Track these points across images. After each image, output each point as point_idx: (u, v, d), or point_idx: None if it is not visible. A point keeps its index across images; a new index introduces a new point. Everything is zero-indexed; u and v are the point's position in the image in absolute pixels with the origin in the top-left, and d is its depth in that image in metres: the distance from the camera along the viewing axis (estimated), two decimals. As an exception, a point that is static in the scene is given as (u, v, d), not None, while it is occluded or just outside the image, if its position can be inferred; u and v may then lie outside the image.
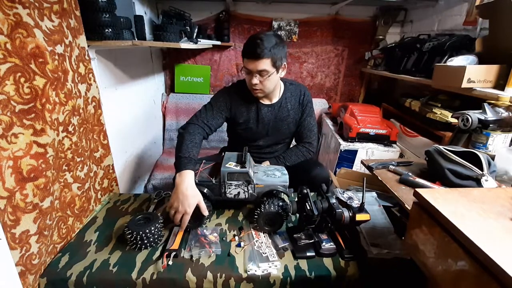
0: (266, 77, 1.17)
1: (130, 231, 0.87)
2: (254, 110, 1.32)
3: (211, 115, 1.25)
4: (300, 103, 1.35)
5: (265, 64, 1.14)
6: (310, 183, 1.05)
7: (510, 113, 0.95)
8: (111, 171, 1.25)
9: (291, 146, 1.51)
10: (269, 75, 1.17)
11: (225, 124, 1.41)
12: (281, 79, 1.35)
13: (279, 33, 2.38)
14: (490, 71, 1.14)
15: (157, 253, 0.88)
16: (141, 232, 0.86)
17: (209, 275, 0.81)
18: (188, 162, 1.01)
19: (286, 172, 1.08)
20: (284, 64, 1.22)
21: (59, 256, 0.87)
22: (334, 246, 0.90)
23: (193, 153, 1.05)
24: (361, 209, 0.87)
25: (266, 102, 1.33)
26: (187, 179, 0.96)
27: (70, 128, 0.94)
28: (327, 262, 0.87)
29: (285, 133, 1.38)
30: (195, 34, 2.01)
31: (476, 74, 1.13)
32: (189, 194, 0.93)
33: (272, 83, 1.21)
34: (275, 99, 1.33)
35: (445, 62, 1.40)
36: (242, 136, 1.37)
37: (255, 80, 1.17)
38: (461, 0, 1.72)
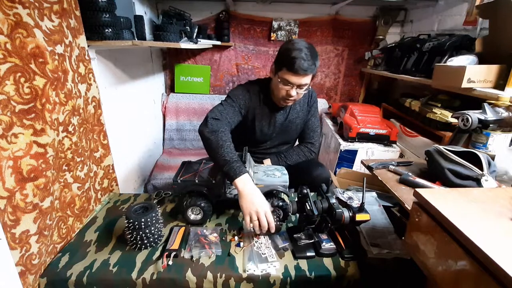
0: (305, 89, 1.15)
1: (130, 231, 0.86)
2: (268, 113, 1.29)
3: (233, 112, 1.17)
4: (308, 104, 1.36)
5: (308, 78, 1.12)
6: (311, 183, 1.05)
7: (510, 113, 0.95)
8: (111, 171, 1.25)
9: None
10: (307, 87, 1.16)
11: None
12: None
13: (279, 33, 2.39)
14: (490, 71, 1.14)
15: (157, 253, 0.88)
16: (141, 232, 0.86)
17: (209, 275, 0.81)
18: (241, 165, 0.94)
19: (286, 172, 1.08)
20: None
21: (59, 256, 0.87)
22: (334, 246, 0.90)
23: (236, 155, 0.98)
24: (361, 209, 0.87)
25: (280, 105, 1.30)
26: (251, 186, 0.92)
27: (70, 128, 0.94)
28: (327, 262, 0.87)
29: (293, 134, 1.38)
30: (195, 34, 2.01)
31: (476, 74, 1.13)
32: (259, 202, 0.89)
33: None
34: None
35: (445, 62, 1.40)
36: (251, 137, 1.33)
37: (294, 92, 1.13)
38: (461, 0, 1.72)
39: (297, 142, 1.47)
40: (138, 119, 1.85)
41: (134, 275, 0.81)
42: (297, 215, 1.02)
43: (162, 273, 0.81)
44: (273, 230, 0.90)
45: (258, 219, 0.88)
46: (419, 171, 0.99)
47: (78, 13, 0.98)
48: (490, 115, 0.94)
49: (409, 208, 0.72)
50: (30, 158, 0.75)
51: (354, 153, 1.79)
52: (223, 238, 0.95)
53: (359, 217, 0.85)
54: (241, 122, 1.26)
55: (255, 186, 0.93)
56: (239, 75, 2.56)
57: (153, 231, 0.89)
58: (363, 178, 0.92)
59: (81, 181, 1.02)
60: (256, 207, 0.88)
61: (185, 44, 1.65)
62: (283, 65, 1.10)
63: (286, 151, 1.38)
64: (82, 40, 1.01)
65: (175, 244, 0.89)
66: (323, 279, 0.83)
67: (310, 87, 1.36)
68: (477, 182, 0.80)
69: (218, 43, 2.29)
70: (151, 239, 0.89)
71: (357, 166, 1.80)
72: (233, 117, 1.17)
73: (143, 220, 0.85)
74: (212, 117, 1.08)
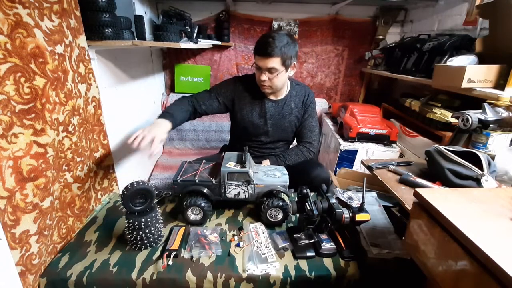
0: (275, 75, 1.20)
1: (130, 231, 0.86)
2: (258, 103, 1.35)
3: (207, 96, 1.33)
4: (304, 103, 1.38)
5: (274, 62, 1.17)
6: (310, 183, 1.05)
7: (510, 113, 0.95)
8: (111, 171, 1.25)
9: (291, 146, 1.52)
10: (278, 73, 1.20)
11: (226, 124, 1.43)
12: (289, 78, 1.38)
13: (279, 33, 2.39)
14: (490, 71, 1.14)
15: (157, 253, 0.88)
16: (141, 232, 0.86)
17: (209, 275, 0.81)
18: (168, 115, 1.17)
19: (286, 172, 1.08)
20: (294, 64, 1.25)
21: (59, 256, 0.87)
22: (334, 246, 0.90)
23: (176, 113, 1.21)
24: (361, 209, 0.87)
25: (271, 97, 1.36)
26: (161, 122, 1.13)
27: (70, 128, 0.94)
28: (327, 262, 0.87)
29: (287, 131, 1.40)
30: (195, 34, 2.01)
31: (476, 74, 1.13)
32: (156, 127, 1.08)
33: (280, 81, 1.25)
34: (280, 96, 1.36)
35: (445, 62, 1.40)
36: (245, 130, 1.39)
37: (264, 77, 1.21)
38: (461, 0, 1.72)
39: (295, 143, 1.48)
40: (138, 119, 1.85)
41: (134, 275, 0.81)
42: (297, 215, 1.02)
43: (162, 273, 0.81)
44: (153, 150, 1.00)
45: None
46: (419, 171, 0.99)
47: (78, 13, 0.98)
48: (490, 115, 0.94)
49: (409, 208, 0.72)
50: (30, 158, 0.75)
51: (354, 153, 1.79)
52: (223, 238, 0.95)
53: (359, 217, 0.85)
54: (233, 113, 1.38)
55: (166, 127, 1.13)
56: (239, 75, 2.55)
57: (153, 231, 0.89)
58: (363, 178, 0.92)
59: (81, 181, 1.02)
60: (152, 129, 1.06)
61: (185, 44, 1.65)
62: (254, 51, 1.23)
63: (285, 151, 1.39)
64: (82, 40, 1.01)
65: (175, 244, 0.89)
66: (323, 279, 0.83)
67: (309, 89, 1.40)
68: (477, 182, 0.80)
69: (218, 43, 2.29)
70: (151, 239, 0.89)
71: (357, 166, 1.80)
72: (204, 99, 1.32)
73: (143, 220, 0.85)
74: (184, 95, 1.35)
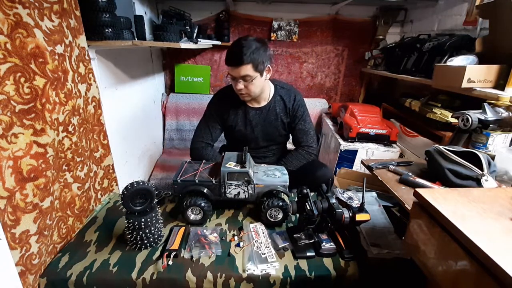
0: (250, 81, 1.18)
1: (130, 231, 0.86)
2: (241, 113, 1.33)
3: (209, 131, 1.35)
4: (290, 107, 1.33)
5: (246, 69, 1.14)
6: (314, 183, 1.05)
7: (510, 113, 0.95)
8: (111, 171, 1.25)
9: (286, 149, 1.52)
10: (253, 79, 1.18)
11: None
12: (273, 82, 1.36)
13: (279, 33, 2.39)
14: (490, 71, 1.14)
15: (157, 253, 0.88)
16: (141, 232, 0.86)
17: (209, 275, 0.81)
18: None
19: (286, 172, 1.08)
20: (268, 67, 1.22)
21: (59, 256, 0.87)
22: (334, 246, 0.90)
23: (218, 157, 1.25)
24: (361, 209, 0.87)
25: (254, 105, 1.33)
26: None
27: (70, 128, 0.94)
28: (327, 262, 0.87)
29: (275, 136, 1.38)
30: (195, 34, 2.01)
31: (476, 74, 1.13)
32: None
33: (257, 87, 1.22)
34: (263, 103, 1.33)
35: (445, 62, 1.40)
36: (234, 138, 1.39)
37: (240, 85, 1.19)
38: (461, 0, 1.72)
39: (292, 147, 1.48)
40: (138, 119, 1.85)
41: (134, 275, 0.81)
42: (297, 215, 1.02)
43: (162, 273, 0.81)
44: None
45: None
46: (419, 171, 0.99)
47: (78, 13, 0.98)
48: (490, 115, 0.94)
49: (409, 208, 0.72)
50: (30, 158, 0.75)
51: (354, 153, 1.79)
52: (223, 238, 0.95)
53: (359, 217, 0.85)
54: (223, 125, 1.37)
55: None
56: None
57: (153, 231, 0.89)
58: (363, 178, 0.92)
59: (81, 181, 1.02)
60: None
61: (185, 44, 1.65)
62: (225, 62, 1.20)
63: (285, 157, 1.38)
64: (82, 40, 1.01)
65: (175, 244, 0.89)
66: (323, 279, 0.83)
67: (295, 91, 1.37)
68: (477, 182, 0.80)
69: (218, 43, 2.29)
70: (151, 239, 0.89)
71: (357, 166, 1.80)
72: (211, 134, 1.35)
73: (143, 220, 0.85)
74: (195, 145, 1.34)
